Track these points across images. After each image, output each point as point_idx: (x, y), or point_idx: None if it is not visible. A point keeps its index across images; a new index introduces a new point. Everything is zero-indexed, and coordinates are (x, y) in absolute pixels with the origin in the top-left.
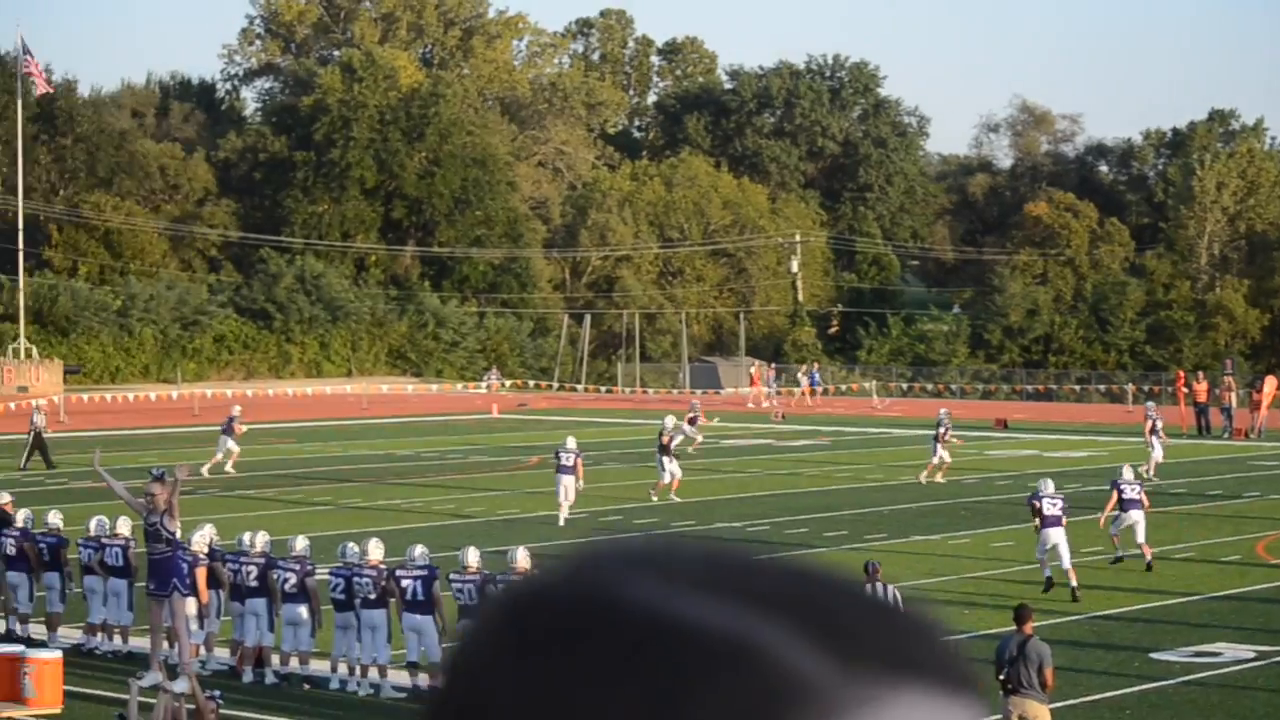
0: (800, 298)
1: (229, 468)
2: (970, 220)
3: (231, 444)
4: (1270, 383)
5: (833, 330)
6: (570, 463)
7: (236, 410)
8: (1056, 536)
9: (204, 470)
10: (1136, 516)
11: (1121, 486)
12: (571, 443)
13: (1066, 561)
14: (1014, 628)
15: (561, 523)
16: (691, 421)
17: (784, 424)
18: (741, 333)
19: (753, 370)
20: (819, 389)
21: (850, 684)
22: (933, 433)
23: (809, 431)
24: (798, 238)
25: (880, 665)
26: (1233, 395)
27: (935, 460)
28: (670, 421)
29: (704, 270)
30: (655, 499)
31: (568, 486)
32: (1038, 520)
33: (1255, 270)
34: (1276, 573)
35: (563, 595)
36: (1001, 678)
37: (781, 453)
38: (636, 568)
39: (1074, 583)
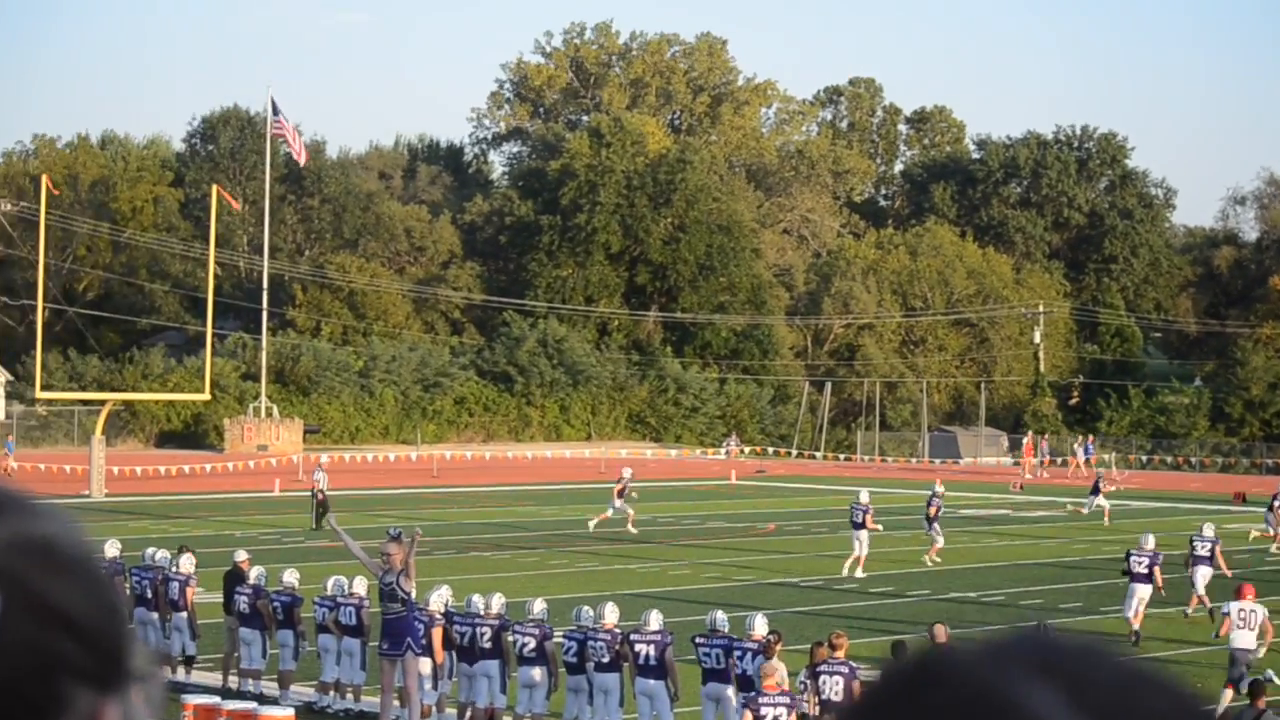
0: (1042, 368)
1: (629, 526)
2: (1214, 293)
3: (620, 504)
4: None
5: (1073, 401)
6: (860, 519)
7: (627, 473)
8: (1141, 593)
9: (591, 525)
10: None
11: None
12: (865, 496)
13: (1130, 611)
14: (1247, 702)
15: (844, 573)
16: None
17: (1022, 494)
18: (982, 402)
19: (1025, 441)
20: (1091, 459)
21: None
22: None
23: (1046, 503)
24: (1041, 308)
25: None
26: None
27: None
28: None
29: (946, 339)
30: (930, 563)
31: (860, 539)
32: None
33: None
34: None
35: (968, 681)
36: None
37: (1019, 523)
38: (1049, 675)
39: (1135, 626)
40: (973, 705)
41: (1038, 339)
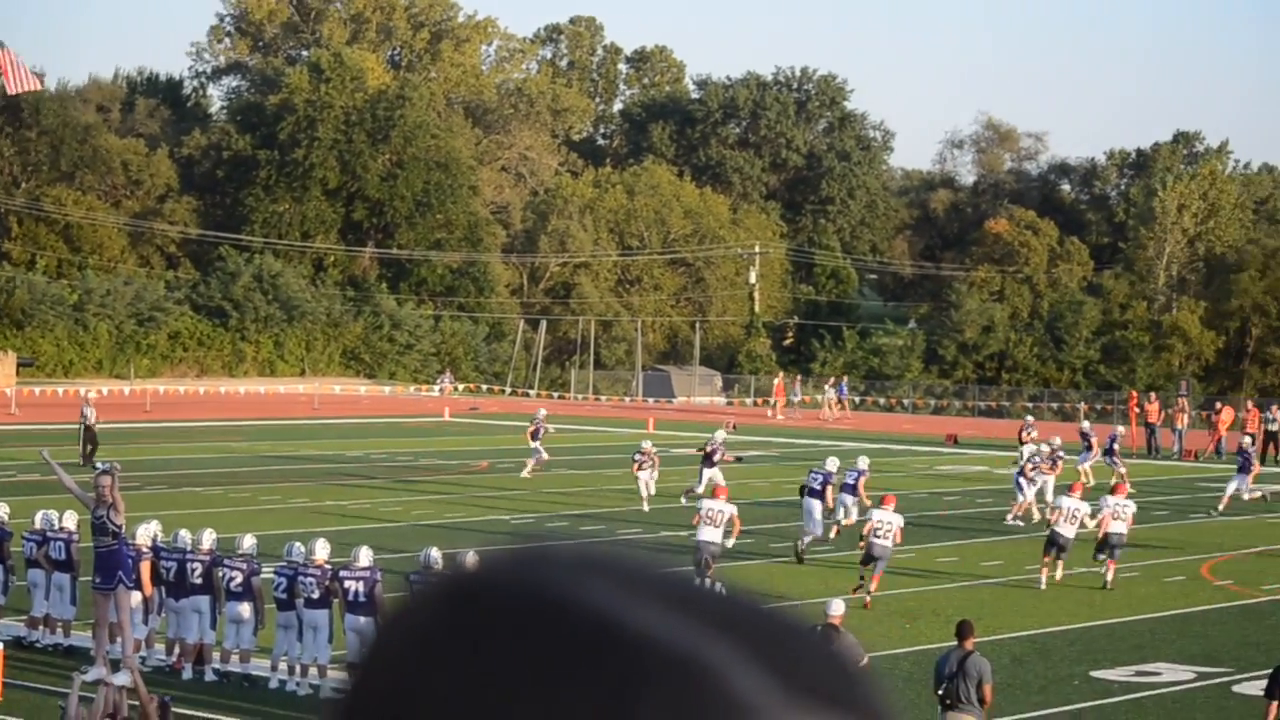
0: (757, 309)
1: (526, 472)
2: (930, 236)
3: (536, 445)
4: (1228, 413)
5: (788, 342)
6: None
7: (541, 414)
8: (815, 508)
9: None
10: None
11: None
12: (647, 443)
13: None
14: (955, 643)
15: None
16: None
17: (735, 434)
18: (696, 342)
19: (777, 381)
20: (846, 400)
21: (788, 711)
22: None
23: (758, 442)
24: (757, 249)
25: (818, 697)
26: (1185, 417)
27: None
28: (720, 435)
29: (662, 279)
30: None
31: (646, 482)
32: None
33: (1212, 293)
34: (1219, 594)
35: (511, 589)
36: (940, 693)
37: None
38: (590, 571)
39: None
40: (520, 613)
41: (753, 279)
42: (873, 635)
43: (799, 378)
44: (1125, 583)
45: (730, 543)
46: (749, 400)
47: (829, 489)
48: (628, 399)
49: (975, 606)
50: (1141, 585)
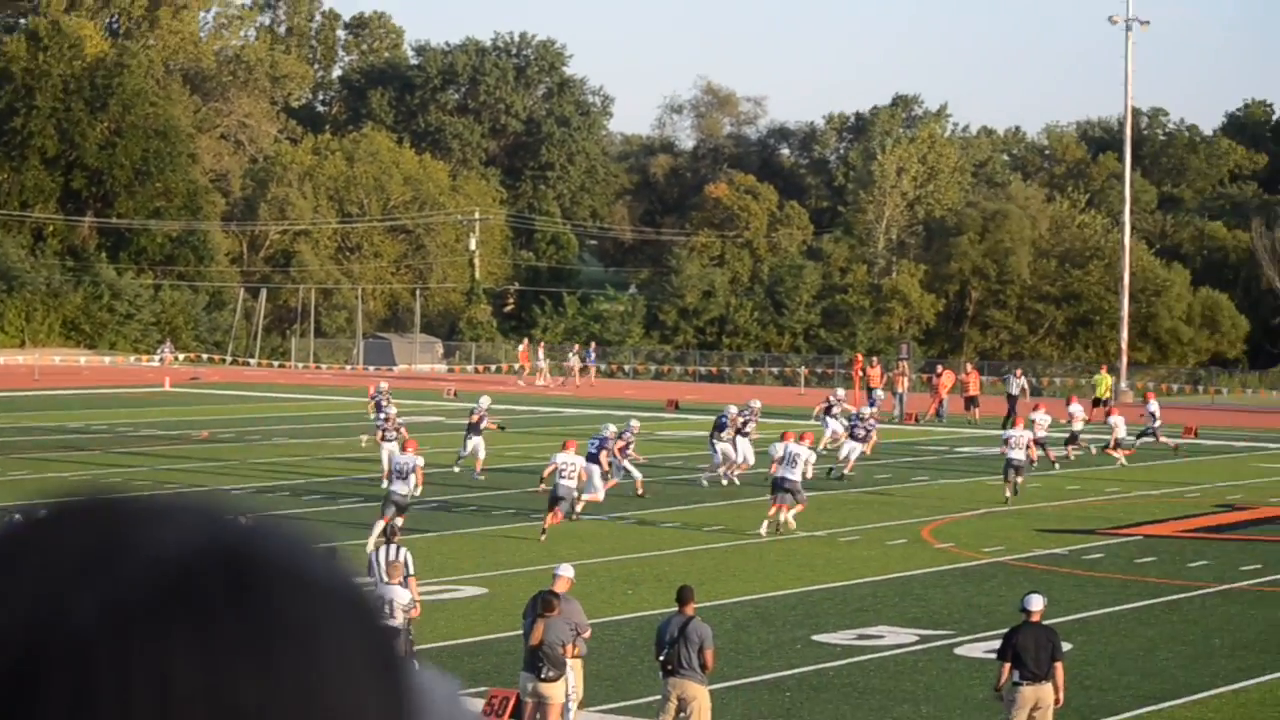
0: (477, 275)
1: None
2: (650, 201)
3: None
4: (949, 376)
5: (509, 308)
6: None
7: (484, 403)
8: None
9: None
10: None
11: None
12: (485, 401)
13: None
14: (675, 608)
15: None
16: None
17: (456, 400)
18: (417, 310)
19: (521, 348)
20: (593, 365)
21: None
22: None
23: (507, 411)
24: (477, 215)
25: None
26: (905, 380)
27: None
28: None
29: (382, 246)
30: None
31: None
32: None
33: (932, 256)
34: (941, 556)
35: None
36: (661, 658)
37: (453, 430)
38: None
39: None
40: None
41: (473, 246)
42: (595, 602)
43: (543, 344)
44: (846, 546)
45: (418, 491)
46: (470, 367)
47: (603, 453)
48: (349, 367)
49: (697, 572)
50: (862, 548)
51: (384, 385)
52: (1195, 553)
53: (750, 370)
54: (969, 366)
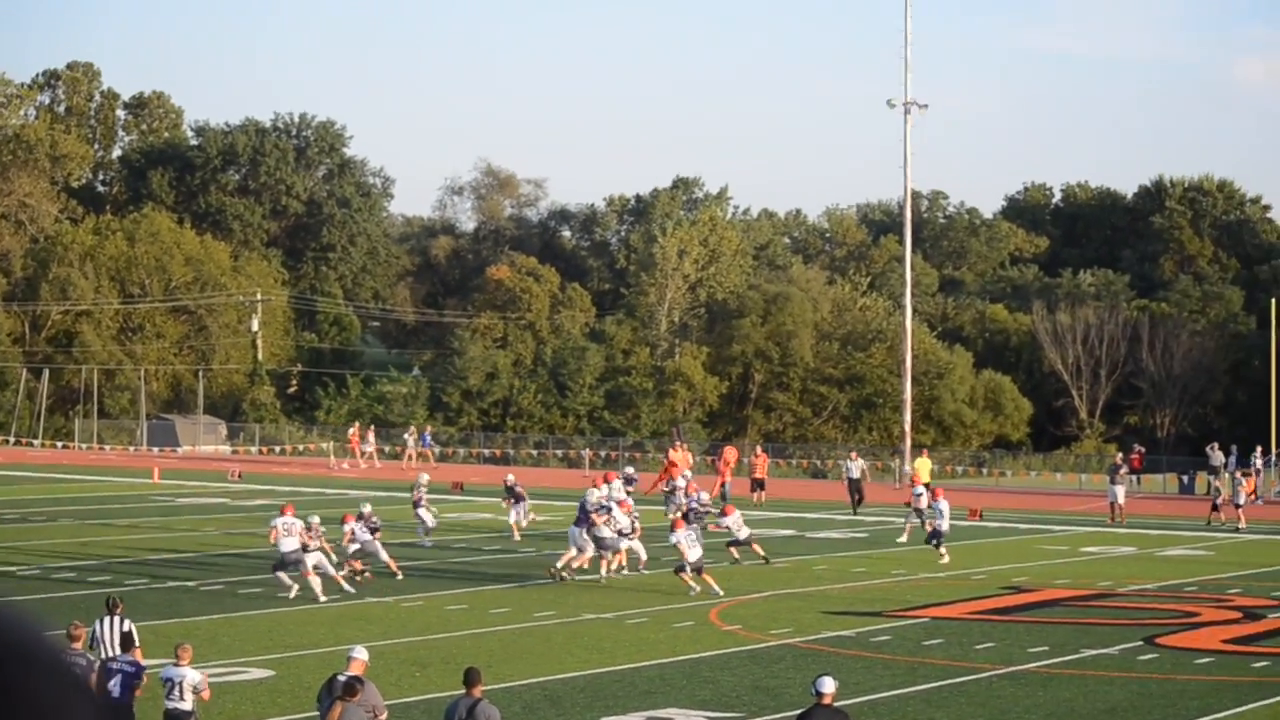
0: (260, 356)
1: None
2: (433, 282)
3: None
4: (731, 452)
5: (292, 389)
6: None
7: (424, 479)
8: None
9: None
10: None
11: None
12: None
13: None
14: (463, 690)
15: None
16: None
17: (241, 482)
18: (200, 390)
19: (351, 431)
20: (431, 449)
21: None
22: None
23: (264, 491)
24: (259, 296)
25: None
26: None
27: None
28: (425, 478)
29: (164, 327)
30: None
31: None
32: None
33: (714, 338)
34: (729, 638)
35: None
36: None
37: (237, 511)
38: None
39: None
40: None
41: (255, 327)
42: (383, 684)
43: (371, 427)
44: (634, 628)
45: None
46: (254, 449)
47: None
48: (133, 448)
49: (485, 654)
50: (650, 630)
51: (424, 477)
52: (982, 634)
53: (535, 453)
54: (758, 449)
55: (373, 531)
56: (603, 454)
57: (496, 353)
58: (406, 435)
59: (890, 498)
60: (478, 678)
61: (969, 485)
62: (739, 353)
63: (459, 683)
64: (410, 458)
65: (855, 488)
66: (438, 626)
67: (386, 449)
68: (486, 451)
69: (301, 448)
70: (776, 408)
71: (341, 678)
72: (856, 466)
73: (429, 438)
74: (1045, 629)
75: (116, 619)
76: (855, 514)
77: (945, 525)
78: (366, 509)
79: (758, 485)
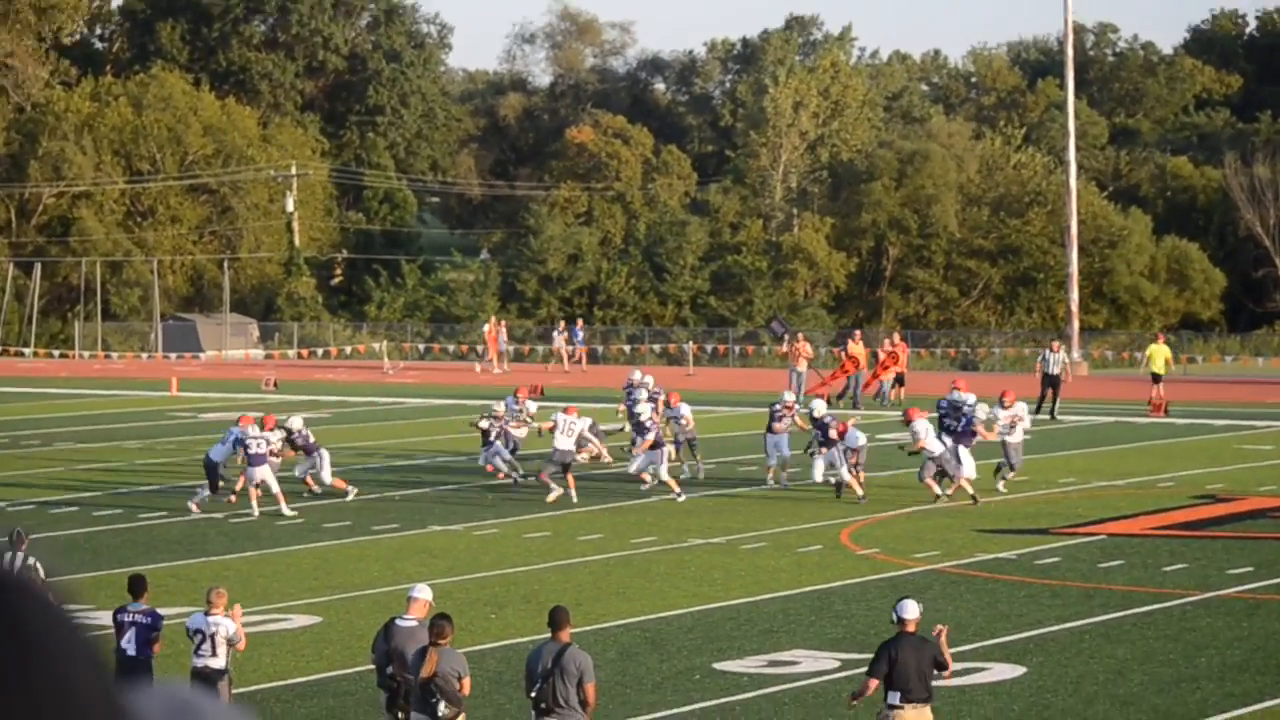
0: (297, 242)
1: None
2: (501, 149)
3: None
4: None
5: (336, 281)
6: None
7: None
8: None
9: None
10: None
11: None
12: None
13: None
14: (548, 635)
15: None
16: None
17: (276, 392)
18: (226, 285)
19: (487, 329)
20: (580, 345)
21: None
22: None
23: (306, 402)
24: (294, 170)
25: None
26: (804, 357)
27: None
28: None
29: (180, 210)
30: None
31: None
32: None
33: (840, 207)
34: (864, 564)
35: None
36: (533, 695)
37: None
38: None
39: None
40: None
41: (290, 207)
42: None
43: (504, 322)
44: (750, 555)
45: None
46: (291, 352)
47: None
48: (145, 355)
49: (573, 590)
50: (770, 557)
51: (296, 421)
52: (1171, 554)
53: (628, 348)
54: (895, 337)
55: (306, 451)
56: (708, 348)
57: (579, 230)
58: (555, 333)
59: (1092, 391)
60: (565, 619)
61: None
62: (869, 223)
63: (542, 625)
64: (564, 359)
65: (1052, 385)
66: (516, 558)
67: (450, 349)
68: (569, 349)
69: (349, 349)
70: (916, 287)
71: (404, 622)
72: (1057, 359)
73: (580, 332)
74: (1248, 546)
75: (19, 557)
76: (1044, 414)
77: (933, 446)
78: (296, 422)
79: (896, 380)
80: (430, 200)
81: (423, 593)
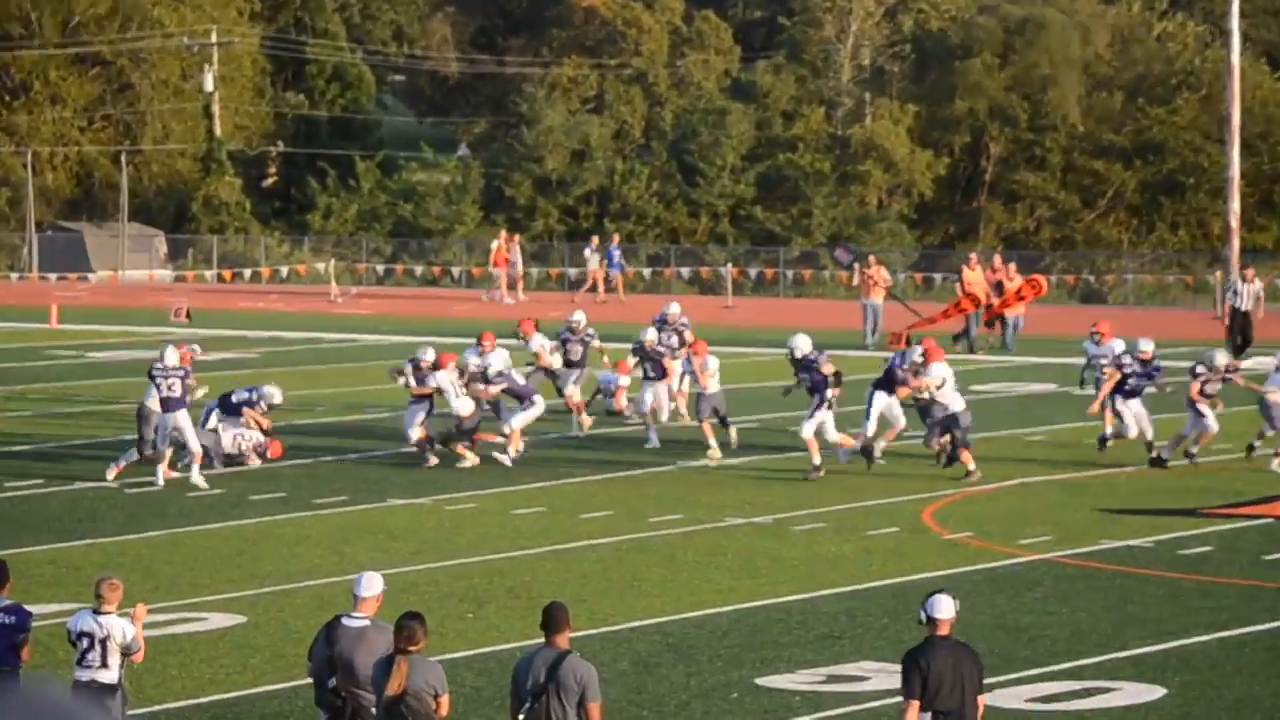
0: (218, 132)
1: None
2: (486, 13)
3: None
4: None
5: (269, 182)
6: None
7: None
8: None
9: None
10: None
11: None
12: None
13: None
14: (541, 639)
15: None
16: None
17: (189, 325)
18: (124, 186)
19: (495, 248)
20: (618, 270)
21: None
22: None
23: (227, 339)
24: (214, 38)
25: None
26: (880, 286)
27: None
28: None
29: (64, 88)
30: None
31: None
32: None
33: (927, 92)
34: (953, 552)
35: None
36: (522, 716)
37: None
38: None
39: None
40: None
41: (209, 86)
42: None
43: (516, 237)
44: (805, 539)
45: None
46: (210, 273)
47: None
48: (15, 275)
49: (574, 583)
50: (830, 542)
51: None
52: None
53: (648, 272)
54: (998, 260)
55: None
56: (752, 273)
57: (588, 119)
58: (588, 251)
59: (1261, 332)
60: (564, 619)
61: None
62: (965, 113)
63: (534, 627)
64: (599, 286)
65: (1242, 323)
66: (500, 541)
67: (418, 271)
68: (574, 272)
69: (285, 271)
70: (1025, 196)
71: (351, 622)
72: (1249, 291)
73: (616, 252)
74: None
75: None
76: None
77: (952, 401)
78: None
79: (996, 316)
80: (393, 79)
81: (373, 585)
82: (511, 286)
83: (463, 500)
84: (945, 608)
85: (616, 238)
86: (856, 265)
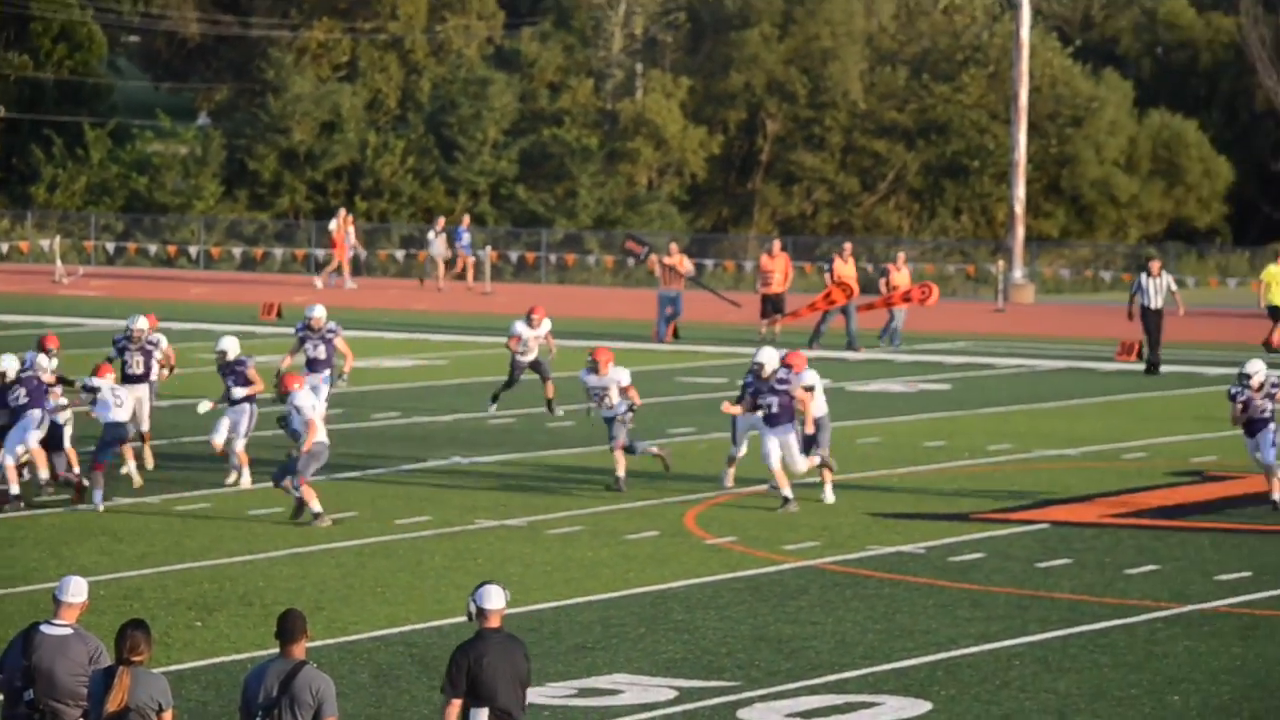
0: None
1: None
2: None
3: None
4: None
5: None
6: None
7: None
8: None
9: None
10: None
11: None
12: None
13: None
14: (275, 650)
15: None
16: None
17: None
18: None
19: (333, 227)
20: (466, 254)
21: None
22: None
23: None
24: None
25: None
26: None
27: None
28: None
29: None
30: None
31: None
32: None
33: (701, 64)
34: (714, 558)
35: None
36: None
37: None
38: None
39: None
40: None
41: None
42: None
43: (352, 217)
44: (558, 543)
45: None
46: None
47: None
48: None
49: (313, 589)
50: (586, 546)
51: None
52: (1139, 552)
53: (400, 255)
54: (774, 247)
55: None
56: (513, 256)
57: (339, 88)
58: (431, 234)
59: (1040, 325)
60: (300, 628)
61: (1120, 301)
62: (741, 87)
63: (267, 636)
64: (468, 271)
65: (1152, 322)
66: (232, 544)
67: (152, 250)
68: (320, 253)
69: (4, 248)
70: (803, 177)
71: (51, 629)
72: (1157, 286)
73: (465, 233)
74: (1244, 542)
75: None
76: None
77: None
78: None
79: (772, 306)
80: (127, 40)
81: (76, 590)
82: (356, 270)
83: (195, 499)
84: (495, 598)
85: (466, 218)
86: (654, 255)
